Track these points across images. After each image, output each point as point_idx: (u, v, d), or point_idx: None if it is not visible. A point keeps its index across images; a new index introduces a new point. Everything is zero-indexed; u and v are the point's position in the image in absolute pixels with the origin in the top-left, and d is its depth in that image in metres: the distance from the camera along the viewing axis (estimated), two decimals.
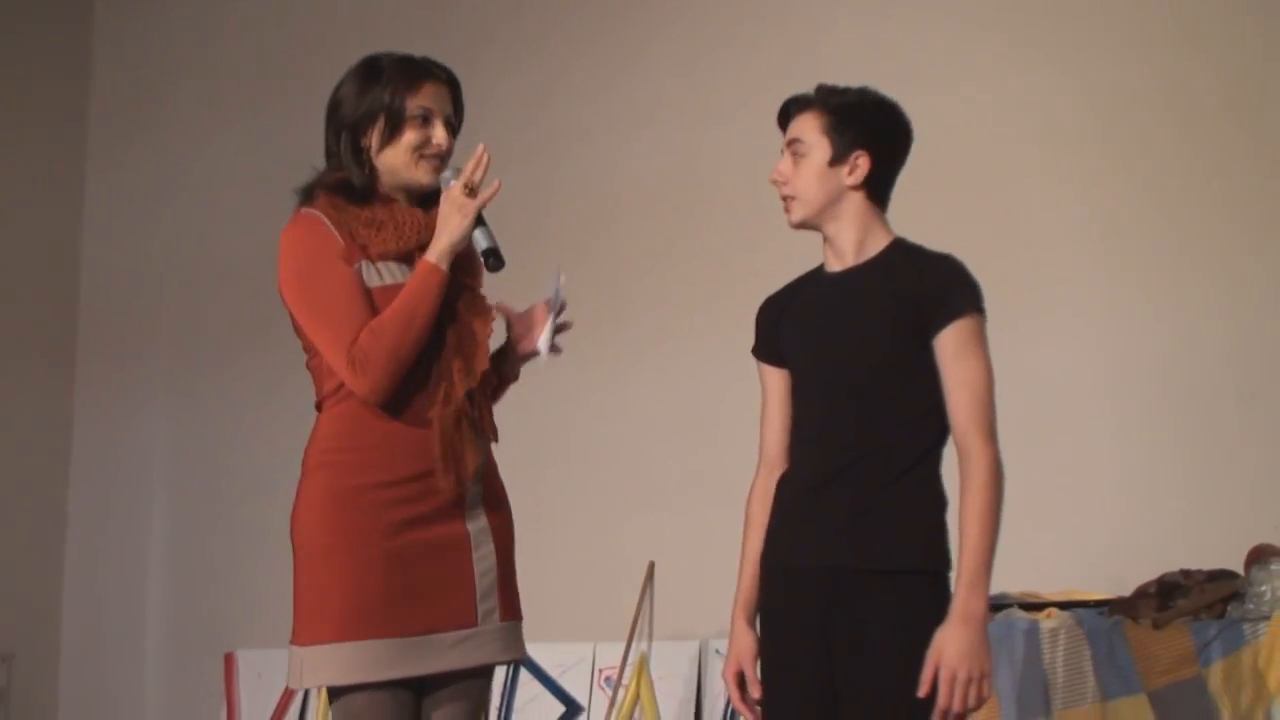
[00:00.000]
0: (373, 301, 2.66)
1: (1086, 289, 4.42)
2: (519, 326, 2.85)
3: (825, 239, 2.75)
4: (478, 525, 2.70)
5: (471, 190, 2.68)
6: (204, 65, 6.21)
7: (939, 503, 2.63)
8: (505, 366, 2.84)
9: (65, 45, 6.37)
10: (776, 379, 2.81)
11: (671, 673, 4.80)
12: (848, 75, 4.65)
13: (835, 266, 2.74)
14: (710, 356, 4.92)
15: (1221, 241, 4.28)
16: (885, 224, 2.74)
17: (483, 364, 2.69)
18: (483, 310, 2.74)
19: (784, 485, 2.75)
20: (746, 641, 2.75)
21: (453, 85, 2.81)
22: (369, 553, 2.62)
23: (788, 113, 2.77)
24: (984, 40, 4.68)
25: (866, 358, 2.64)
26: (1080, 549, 4.22)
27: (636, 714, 4.79)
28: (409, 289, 2.65)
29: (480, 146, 2.69)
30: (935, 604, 2.54)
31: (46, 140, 6.25)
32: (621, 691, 4.80)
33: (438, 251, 2.66)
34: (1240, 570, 3.62)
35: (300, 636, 2.70)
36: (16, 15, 6.10)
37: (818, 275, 2.80)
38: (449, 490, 2.64)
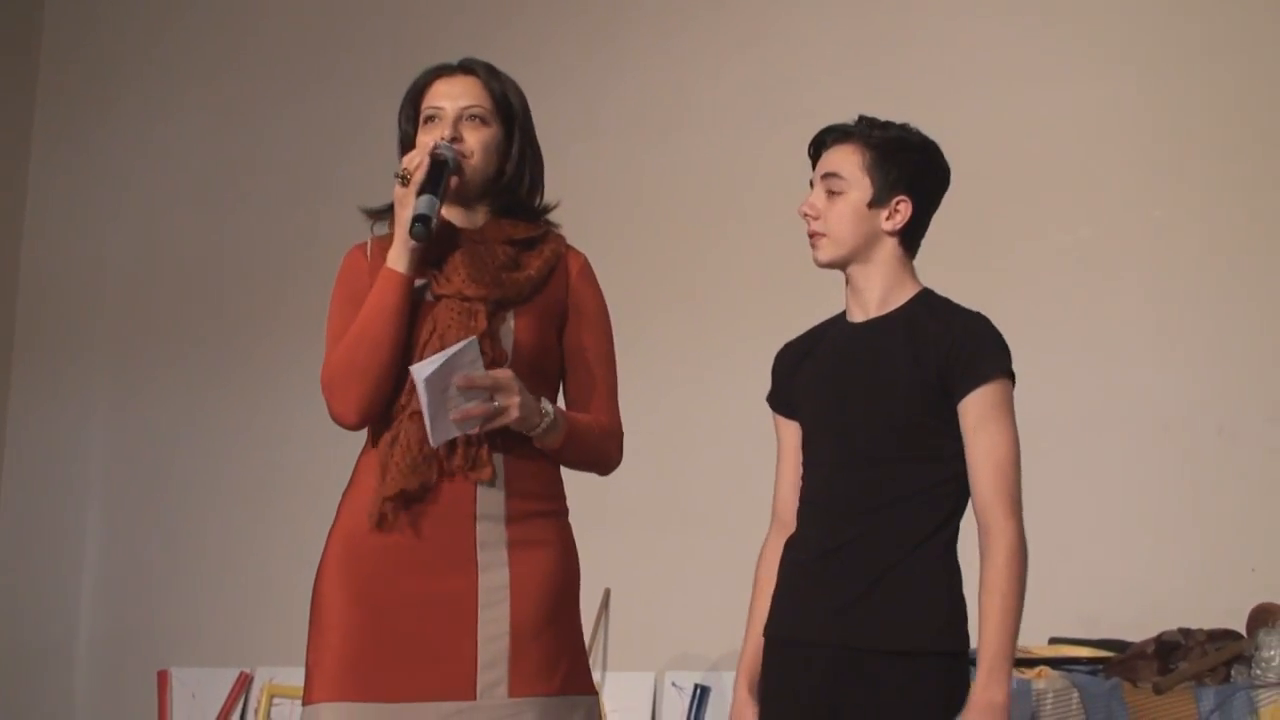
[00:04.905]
0: None
1: (1065, 324, 4.31)
2: None
3: (849, 284, 2.58)
4: (494, 582, 2.40)
5: (404, 179, 2.41)
6: (155, 56, 6.10)
7: (955, 579, 2.45)
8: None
9: (13, 30, 6.21)
10: (790, 432, 2.63)
11: (625, 705, 4.68)
12: (833, 87, 4.69)
13: (857, 316, 2.57)
14: (675, 375, 4.82)
15: (1208, 276, 4.18)
16: (913, 274, 2.58)
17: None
18: (465, 325, 2.42)
19: (789, 551, 2.57)
20: (749, 715, 2.56)
21: (468, 70, 2.55)
22: (362, 605, 2.38)
23: (822, 143, 2.59)
24: (971, 58, 4.58)
25: (882, 418, 2.46)
26: (1055, 591, 4.08)
27: None
28: (369, 298, 2.43)
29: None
30: (948, 688, 2.38)
31: None
32: None
33: (395, 252, 2.43)
34: (1238, 627, 3.52)
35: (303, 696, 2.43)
36: None
37: (838, 323, 2.63)
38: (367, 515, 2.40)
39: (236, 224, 5.73)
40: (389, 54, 5.45)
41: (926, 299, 2.55)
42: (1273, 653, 3.24)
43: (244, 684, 5.31)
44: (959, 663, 2.40)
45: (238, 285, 5.70)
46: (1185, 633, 3.50)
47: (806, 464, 2.58)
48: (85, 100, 6.16)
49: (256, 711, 5.20)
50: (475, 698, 2.35)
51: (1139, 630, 3.67)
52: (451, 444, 2.40)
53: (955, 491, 2.45)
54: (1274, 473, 4.01)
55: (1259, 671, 3.26)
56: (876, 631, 2.39)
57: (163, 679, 5.43)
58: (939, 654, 2.39)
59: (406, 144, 2.55)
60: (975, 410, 2.42)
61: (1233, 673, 3.35)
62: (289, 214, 5.57)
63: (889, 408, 2.46)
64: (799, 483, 2.59)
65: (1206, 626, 3.52)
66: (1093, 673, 3.52)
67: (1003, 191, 4.43)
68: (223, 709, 5.29)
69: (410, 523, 2.41)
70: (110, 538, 5.82)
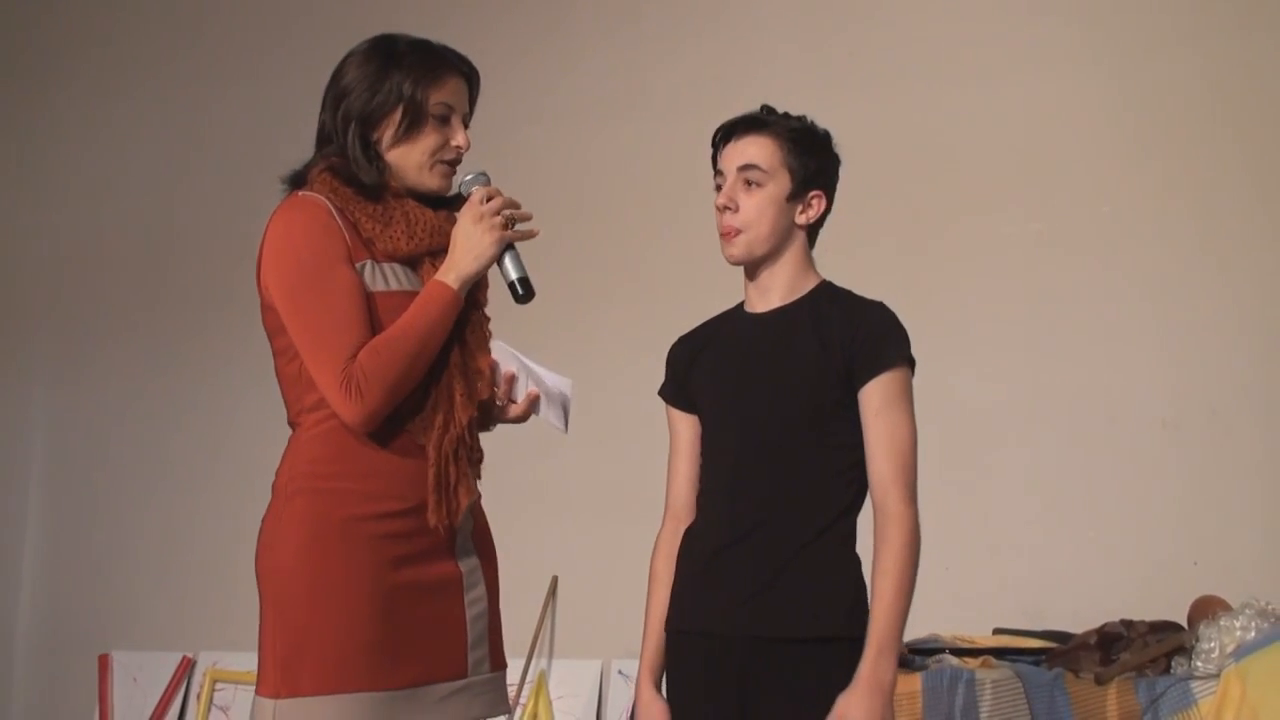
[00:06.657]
0: (374, 308, 2.40)
1: (1010, 314, 4.32)
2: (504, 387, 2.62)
3: (753, 276, 2.57)
4: (469, 565, 2.47)
5: (509, 222, 2.47)
6: (101, 37, 6.03)
7: (857, 564, 2.46)
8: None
9: None
10: (686, 425, 2.63)
11: (572, 692, 4.67)
12: (789, 75, 4.67)
13: (759, 307, 2.57)
14: (622, 363, 4.79)
15: (1154, 271, 4.21)
16: (814, 265, 2.59)
17: (485, 392, 2.47)
18: (484, 337, 2.52)
19: (691, 541, 2.55)
20: (658, 711, 2.53)
21: (472, 80, 2.57)
22: (358, 594, 2.35)
23: (729, 133, 2.56)
24: (927, 50, 4.60)
25: (788, 405, 2.46)
26: (1000, 582, 4.13)
27: None
28: (420, 312, 2.39)
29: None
30: (854, 671, 2.37)
31: None
32: (519, 710, 4.64)
33: (459, 276, 2.43)
34: (1179, 619, 3.54)
35: (273, 687, 2.34)
36: None
37: (736, 315, 2.62)
38: (439, 526, 2.39)
39: (181, 205, 5.68)
40: (337, 34, 5.33)
41: (828, 289, 2.56)
42: (1212, 644, 3.25)
43: (186, 668, 5.27)
44: (862, 646, 2.40)
45: (181, 267, 5.64)
46: (1127, 624, 3.52)
47: (708, 455, 2.57)
48: (32, 80, 6.08)
49: (199, 696, 5.16)
50: (468, 675, 2.43)
51: (1082, 622, 3.70)
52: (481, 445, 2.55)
53: (859, 478, 2.46)
54: (1216, 467, 4.05)
55: (1199, 663, 3.27)
56: (786, 619, 2.39)
57: (104, 663, 5.39)
58: (845, 639, 2.39)
59: (393, 104, 2.48)
60: (877, 397, 2.43)
61: (1173, 664, 3.36)
62: (234, 195, 5.50)
63: (795, 394, 2.46)
64: (694, 475, 2.60)
65: (1148, 619, 3.55)
66: (1036, 663, 3.54)
67: (955, 184, 4.45)
68: (165, 693, 5.25)
69: (416, 513, 2.43)
70: (51, 520, 5.76)
